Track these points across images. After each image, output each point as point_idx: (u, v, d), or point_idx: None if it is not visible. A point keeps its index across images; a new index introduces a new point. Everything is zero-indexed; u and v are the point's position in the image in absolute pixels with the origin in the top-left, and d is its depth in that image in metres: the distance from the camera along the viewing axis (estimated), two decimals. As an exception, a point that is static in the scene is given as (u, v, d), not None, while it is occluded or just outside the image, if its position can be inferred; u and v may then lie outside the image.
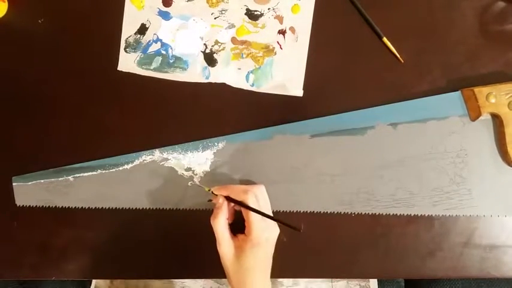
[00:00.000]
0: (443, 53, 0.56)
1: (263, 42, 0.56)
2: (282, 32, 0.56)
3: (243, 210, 0.48)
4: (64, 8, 0.56)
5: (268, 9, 0.56)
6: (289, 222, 0.46)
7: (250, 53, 0.56)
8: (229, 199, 0.49)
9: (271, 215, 0.50)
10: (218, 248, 0.48)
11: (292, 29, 0.56)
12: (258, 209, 0.47)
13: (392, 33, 0.55)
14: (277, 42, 0.56)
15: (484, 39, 0.56)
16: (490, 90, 0.53)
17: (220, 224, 0.48)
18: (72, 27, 0.56)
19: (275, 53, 0.56)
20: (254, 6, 0.56)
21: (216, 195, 0.50)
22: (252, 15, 0.56)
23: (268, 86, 0.56)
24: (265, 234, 0.48)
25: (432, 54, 0.56)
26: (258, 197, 0.49)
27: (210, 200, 0.52)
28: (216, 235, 0.48)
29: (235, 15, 0.56)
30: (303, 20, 0.56)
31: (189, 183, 0.55)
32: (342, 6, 0.56)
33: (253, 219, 0.47)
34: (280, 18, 0.56)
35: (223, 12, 0.56)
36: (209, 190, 0.51)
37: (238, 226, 0.50)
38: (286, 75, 0.56)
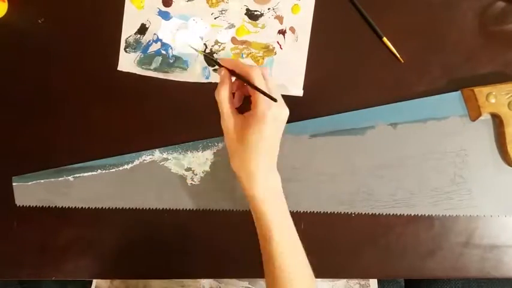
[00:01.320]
0: (443, 53, 0.56)
1: (263, 42, 0.56)
2: (282, 32, 0.56)
3: (248, 86, 0.46)
4: (64, 8, 0.56)
5: (268, 9, 0.56)
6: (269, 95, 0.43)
7: (250, 53, 0.56)
8: (233, 73, 0.47)
9: (280, 97, 0.46)
10: (222, 123, 0.46)
11: (292, 29, 0.56)
12: (263, 88, 0.44)
13: (393, 33, 0.55)
14: (277, 42, 0.56)
15: (484, 39, 0.56)
16: (490, 90, 0.53)
17: (224, 97, 0.46)
18: (72, 27, 0.56)
19: (275, 53, 0.56)
20: (254, 6, 0.56)
21: (222, 67, 0.47)
22: (252, 15, 0.56)
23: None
24: (272, 110, 0.44)
25: (432, 54, 0.56)
26: (265, 77, 0.46)
27: (215, 70, 0.49)
28: (220, 109, 0.46)
29: (235, 15, 0.56)
30: (303, 20, 0.56)
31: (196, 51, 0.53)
32: (342, 6, 0.56)
33: (256, 93, 0.45)
34: (280, 18, 0.56)
35: (223, 12, 0.56)
36: (212, 59, 0.48)
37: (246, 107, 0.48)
38: (286, 75, 0.56)
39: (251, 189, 0.45)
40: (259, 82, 0.45)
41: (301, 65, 0.56)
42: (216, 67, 0.49)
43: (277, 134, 0.46)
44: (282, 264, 0.45)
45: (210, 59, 0.49)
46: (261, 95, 0.44)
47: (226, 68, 0.47)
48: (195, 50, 0.52)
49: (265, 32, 0.56)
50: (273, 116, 0.45)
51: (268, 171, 0.46)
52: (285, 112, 0.47)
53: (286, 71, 0.56)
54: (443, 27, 0.56)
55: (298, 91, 0.56)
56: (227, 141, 0.46)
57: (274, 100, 0.44)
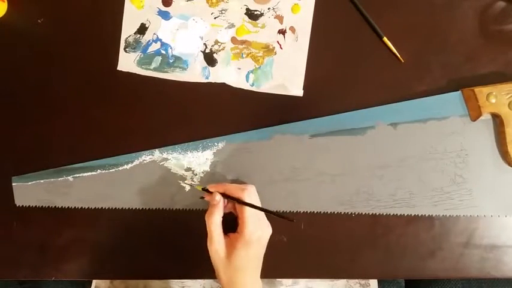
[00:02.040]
0: (444, 53, 0.56)
1: (263, 42, 0.56)
2: (282, 32, 0.56)
3: (238, 208, 0.48)
4: (64, 8, 0.56)
5: (268, 9, 0.56)
6: (282, 215, 0.46)
7: (250, 53, 0.56)
8: (225, 196, 0.49)
9: (262, 214, 0.50)
10: (209, 246, 0.48)
11: (292, 29, 0.56)
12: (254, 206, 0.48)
13: (393, 33, 0.55)
14: (277, 42, 0.56)
15: (484, 39, 0.56)
16: (491, 90, 0.53)
17: (215, 222, 0.48)
18: (71, 27, 0.56)
19: (275, 53, 0.56)
20: (254, 6, 0.56)
21: (210, 192, 0.50)
22: (252, 15, 0.56)
23: (268, 86, 0.56)
24: (257, 232, 0.48)
25: (432, 54, 0.56)
26: (251, 196, 0.49)
27: (202, 198, 0.52)
28: (209, 233, 0.48)
29: (235, 15, 0.56)
30: (303, 20, 0.56)
31: (183, 183, 0.55)
32: (342, 6, 0.56)
33: (247, 215, 0.47)
34: (280, 18, 0.56)
35: (223, 12, 0.56)
36: (203, 189, 0.51)
37: (228, 226, 0.50)
38: (286, 75, 0.56)
39: None
40: (251, 201, 0.48)
41: (301, 64, 0.56)
42: (203, 195, 0.52)
43: (261, 253, 0.50)
44: None
45: (203, 190, 0.51)
46: (250, 217, 0.47)
47: (219, 192, 0.49)
48: (191, 185, 0.55)
49: (265, 31, 0.56)
50: (259, 238, 0.48)
51: (252, 285, 0.49)
52: (268, 231, 0.49)
53: (286, 71, 0.56)
54: (444, 27, 0.56)
55: (298, 91, 0.56)
56: (214, 261, 0.48)
57: (290, 220, 0.46)
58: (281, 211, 0.56)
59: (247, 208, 0.47)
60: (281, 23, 0.56)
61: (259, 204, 0.50)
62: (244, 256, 0.47)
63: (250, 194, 0.49)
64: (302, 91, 0.56)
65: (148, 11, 0.56)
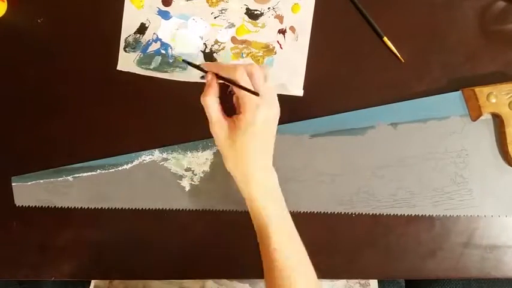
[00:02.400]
0: (444, 53, 0.56)
1: (263, 42, 0.56)
2: (282, 32, 0.56)
3: (235, 88, 0.45)
4: (64, 7, 0.56)
5: (268, 8, 0.56)
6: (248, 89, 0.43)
7: (250, 53, 0.56)
8: (218, 76, 0.46)
9: (271, 96, 0.46)
10: (211, 129, 0.46)
11: (292, 29, 0.56)
12: (247, 86, 0.44)
13: (393, 32, 0.55)
14: (277, 41, 0.56)
15: (484, 39, 0.56)
16: (491, 90, 0.53)
17: (211, 102, 0.45)
18: (71, 27, 0.56)
19: (275, 53, 0.56)
20: (254, 5, 0.56)
21: (206, 72, 0.47)
22: (252, 15, 0.56)
23: (268, 86, 0.56)
24: (260, 111, 0.44)
25: (432, 54, 0.56)
26: (253, 74, 0.45)
27: (202, 77, 0.49)
28: (207, 114, 0.45)
29: (235, 15, 0.56)
30: (303, 20, 0.56)
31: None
32: (342, 5, 0.56)
33: (244, 95, 0.44)
34: (280, 18, 0.56)
35: (223, 11, 0.56)
36: (183, 60, 0.48)
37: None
38: (287, 74, 0.56)
39: (246, 189, 0.45)
40: (243, 81, 0.44)
41: (302, 64, 0.56)
42: (202, 74, 0.49)
43: (270, 133, 0.46)
44: (280, 263, 0.44)
45: (193, 66, 0.48)
46: (249, 96, 0.44)
47: (213, 72, 0.46)
48: (175, 57, 0.52)
49: (265, 31, 0.56)
50: (263, 116, 0.44)
51: (263, 171, 0.46)
52: (275, 110, 0.46)
53: (287, 71, 0.56)
54: (444, 27, 0.56)
55: (298, 91, 0.56)
56: (218, 145, 0.46)
57: (256, 94, 0.43)
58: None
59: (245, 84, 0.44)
60: (281, 22, 0.56)
61: (262, 83, 0.46)
62: (249, 138, 0.44)
63: (240, 73, 0.44)
64: (302, 91, 0.56)
65: (148, 11, 0.56)
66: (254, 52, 0.56)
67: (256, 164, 0.45)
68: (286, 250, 0.45)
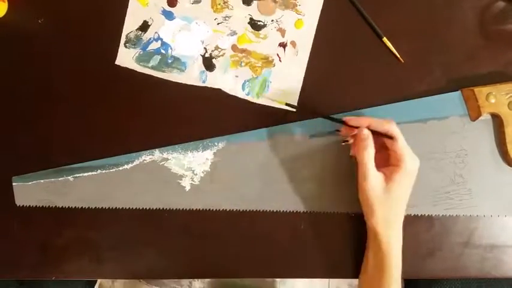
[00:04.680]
0: (443, 53, 0.56)
1: (263, 53, 0.56)
2: (283, 45, 0.56)
3: (388, 141, 0.49)
4: (64, 9, 0.56)
5: (272, 20, 0.56)
6: None
7: (249, 62, 0.56)
8: (373, 132, 0.49)
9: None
10: (363, 183, 0.48)
11: (293, 43, 0.56)
12: (400, 138, 0.48)
13: (393, 33, 0.55)
14: (277, 54, 0.56)
15: (484, 39, 0.56)
16: (490, 90, 0.53)
17: (369, 156, 0.47)
18: (72, 29, 0.56)
19: (273, 65, 0.56)
20: (258, 16, 0.56)
21: (350, 126, 0.50)
22: (255, 25, 0.56)
23: (262, 97, 0.56)
24: (413, 162, 0.48)
25: (432, 54, 0.56)
26: (396, 127, 0.49)
27: (338, 131, 0.52)
28: (362, 169, 0.48)
29: (238, 23, 0.56)
30: (305, 36, 0.56)
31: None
32: (342, 6, 0.56)
33: (403, 146, 0.47)
34: (282, 31, 0.56)
35: (226, 18, 0.56)
36: (325, 117, 0.50)
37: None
38: (282, 88, 0.56)
39: (386, 238, 0.49)
40: (399, 134, 0.48)
41: (299, 80, 0.56)
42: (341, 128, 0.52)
43: (413, 182, 0.50)
44: None
45: (335, 120, 0.51)
46: (406, 148, 0.47)
47: (364, 127, 0.49)
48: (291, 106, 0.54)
49: (266, 43, 0.56)
50: (415, 168, 0.48)
51: (401, 225, 0.50)
52: (418, 161, 0.49)
53: (283, 85, 0.56)
54: (444, 27, 0.56)
55: (292, 106, 0.55)
56: (370, 198, 0.48)
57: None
58: (281, 211, 0.56)
59: (402, 139, 0.48)
60: (283, 36, 0.56)
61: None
62: (403, 189, 0.48)
63: (395, 125, 0.48)
64: (296, 106, 0.55)
65: (152, 9, 0.56)
66: (253, 62, 0.56)
67: (402, 210, 0.49)
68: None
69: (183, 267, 0.57)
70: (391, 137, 0.48)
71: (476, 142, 0.55)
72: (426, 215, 0.55)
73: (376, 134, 0.49)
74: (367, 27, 0.56)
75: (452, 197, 0.55)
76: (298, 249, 0.56)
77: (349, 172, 0.55)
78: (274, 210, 0.55)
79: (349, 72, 0.56)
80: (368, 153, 0.47)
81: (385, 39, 0.55)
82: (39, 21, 0.56)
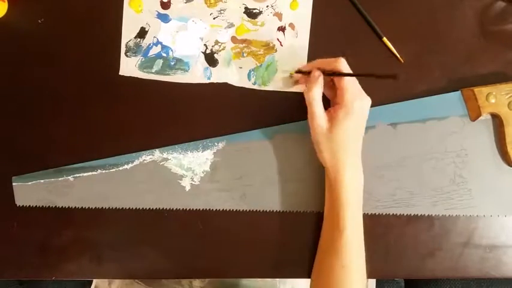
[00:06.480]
0: (443, 53, 0.56)
1: (263, 40, 0.56)
2: (282, 29, 0.56)
3: (335, 79, 0.49)
4: (64, 8, 0.56)
5: (267, 6, 0.56)
6: (381, 74, 0.44)
7: (250, 52, 0.56)
8: (324, 72, 0.49)
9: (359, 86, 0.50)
10: (310, 122, 0.49)
11: (291, 26, 0.56)
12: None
13: (393, 33, 0.55)
14: (277, 39, 0.56)
15: (484, 39, 0.56)
16: (490, 90, 0.53)
17: (316, 96, 0.48)
18: (72, 27, 0.56)
19: (276, 50, 0.56)
20: (252, 4, 0.56)
21: (304, 73, 0.51)
22: (251, 14, 0.56)
23: (270, 84, 0.56)
24: (358, 101, 0.48)
25: (432, 54, 0.56)
26: (345, 65, 0.49)
27: (297, 81, 0.53)
28: (309, 109, 0.49)
29: (234, 14, 0.56)
30: (302, 16, 0.56)
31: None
32: (342, 6, 0.56)
33: (346, 84, 0.47)
34: (279, 15, 0.56)
35: (221, 11, 0.56)
36: (297, 71, 0.52)
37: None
38: (288, 71, 0.56)
39: (338, 177, 0.48)
40: (347, 70, 0.48)
41: (303, 60, 0.56)
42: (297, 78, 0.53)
43: (363, 124, 0.49)
44: (348, 261, 0.48)
45: (298, 72, 0.52)
46: (349, 86, 0.47)
47: (316, 68, 0.49)
48: (290, 73, 0.55)
49: (264, 29, 0.56)
50: (360, 107, 0.48)
51: (355, 165, 0.49)
52: (367, 101, 0.49)
53: (288, 68, 0.56)
54: (443, 27, 0.56)
55: (301, 86, 0.56)
56: (317, 137, 0.49)
57: (393, 77, 0.43)
58: (281, 211, 0.56)
59: (349, 78, 0.48)
60: (280, 20, 0.56)
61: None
62: (347, 127, 0.47)
63: (344, 63, 0.48)
64: (304, 86, 0.56)
65: (147, 15, 0.56)
66: (255, 51, 0.56)
67: (351, 154, 0.48)
68: (355, 250, 0.49)
69: (183, 267, 0.57)
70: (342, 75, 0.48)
71: (476, 142, 0.55)
72: (426, 215, 0.55)
73: (328, 75, 0.49)
74: (367, 27, 0.56)
75: (452, 197, 0.55)
76: (299, 249, 0.56)
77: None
78: (274, 210, 0.55)
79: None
80: (313, 93, 0.48)
81: (385, 39, 0.55)
82: (39, 21, 0.56)
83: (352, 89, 0.48)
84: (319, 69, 0.49)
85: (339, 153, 0.48)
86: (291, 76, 0.54)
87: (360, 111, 0.48)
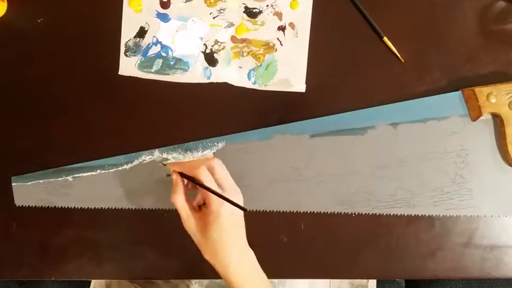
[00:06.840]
0: (444, 53, 0.56)
1: (263, 40, 0.56)
2: (282, 29, 0.56)
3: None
4: (64, 7, 0.56)
5: (267, 6, 0.56)
6: (235, 202, 0.45)
7: (250, 51, 0.56)
8: (182, 175, 0.48)
9: (232, 186, 0.47)
10: (183, 224, 0.47)
11: (291, 25, 0.56)
12: (208, 184, 0.45)
13: (393, 33, 0.55)
14: (277, 38, 0.56)
15: (484, 39, 0.56)
16: (491, 90, 0.53)
17: (180, 200, 0.47)
18: (71, 27, 0.56)
19: (276, 50, 0.56)
20: (252, 3, 0.56)
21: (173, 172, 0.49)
22: (251, 13, 0.56)
23: (270, 83, 0.56)
24: (225, 205, 0.45)
25: (432, 54, 0.56)
26: (214, 170, 0.47)
27: (169, 175, 0.51)
28: (178, 211, 0.47)
29: (233, 14, 0.56)
30: (302, 16, 0.56)
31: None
32: (342, 6, 0.56)
33: (206, 191, 0.45)
34: (279, 15, 0.56)
35: (221, 11, 0.56)
36: (165, 165, 0.51)
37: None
38: (288, 71, 0.56)
39: (227, 276, 0.46)
40: (206, 180, 0.45)
41: (303, 60, 0.56)
42: (170, 173, 0.50)
43: (238, 220, 0.47)
44: None
45: (162, 165, 0.52)
46: (210, 195, 0.45)
47: (177, 171, 0.48)
48: (164, 164, 0.54)
49: (264, 29, 0.56)
50: (229, 211, 0.46)
51: (239, 256, 0.47)
52: (237, 197, 0.47)
53: (288, 67, 0.56)
54: (444, 27, 0.56)
55: (300, 86, 0.56)
56: (194, 238, 0.47)
57: (227, 199, 0.44)
58: (281, 211, 0.56)
59: (215, 178, 0.46)
60: (280, 19, 0.56)
61: (224, 177, 0.47)
62: (218, 229, 0.45)
63: (204, 172, 0.46)
64: (305, 85, 0.56)
65: (146, 14, 0.56)
66: (254, 50, 0.56)
67: (231, 253, 0.46)
68: None
69: (182, 268, 0.57)
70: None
71: (477, 142, 0.55)
72: (427, 215, 0.55)
73: (189, 180, 0.47)
74: (367, 27, 0.56)
75: (452, 197, 0.55)
76: (298, 249, 0.56)
77: (349, 172, 0.55)
78: (275, 210, 0.55)
79: (349, 72, 0.56)
80: (174, 199, 0.47)
81: (385, 38, 0.55)
82: (39, 20, 0.56)
83: (211, 195, 0.45)
84: (180, 173, 0.47)
85: (219, 254, 0.46)
86: (165, 167, 0.52)
87: (230, 215, 0.46)
